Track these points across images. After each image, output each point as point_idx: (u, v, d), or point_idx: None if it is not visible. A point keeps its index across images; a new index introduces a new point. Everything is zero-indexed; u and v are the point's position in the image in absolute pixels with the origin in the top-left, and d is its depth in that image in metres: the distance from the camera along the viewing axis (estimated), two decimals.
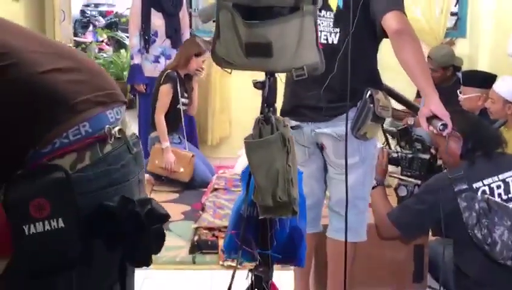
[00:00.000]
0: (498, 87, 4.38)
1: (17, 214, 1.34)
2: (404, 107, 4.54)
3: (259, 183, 1.98)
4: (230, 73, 2.05)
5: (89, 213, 1.39)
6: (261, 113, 2.01)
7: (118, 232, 1.41)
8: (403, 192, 3.61)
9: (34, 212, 1.34)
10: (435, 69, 5.68)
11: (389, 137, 3.93)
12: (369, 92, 2.89)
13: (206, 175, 5.60)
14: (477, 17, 6.39)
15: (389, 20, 2.77)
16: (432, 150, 3.66)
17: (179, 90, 5.62)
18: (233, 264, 3.81)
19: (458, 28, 6.60)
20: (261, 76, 2.01)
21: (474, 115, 3.67)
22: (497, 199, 3.17)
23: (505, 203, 3.14)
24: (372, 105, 2.87)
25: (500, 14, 6.13)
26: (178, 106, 5.68)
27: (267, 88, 2.00)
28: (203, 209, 4.70)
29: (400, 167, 3.70)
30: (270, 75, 1.99)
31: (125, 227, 1.41)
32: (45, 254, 1.37)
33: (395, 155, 3.65)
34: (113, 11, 13.79)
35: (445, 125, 2.73)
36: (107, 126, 1.47)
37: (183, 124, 5.79)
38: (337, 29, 2.92)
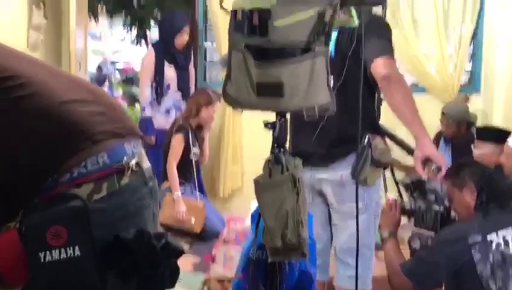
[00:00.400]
0: None
1: (34, 241, 1.34)
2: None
3: (269, 224, 1.95)
4: (242, 112, 2.05)
5: (104, 244, 1.38)
6: (272, 153, 2.00)
7: (133, 264, 1.39)
8: (416, 243, 3.55)
9: (51, 239, 1.33)
10: (449, 124, 5.67)
11: (402, 189, 3.88)
12: (367, 138, 2.91)
13: (218, 226, 5.56)
14: (491, 73, 6.41)
15: (377, 67, 2.82)
16: (446, 202, 3.61)
17: (190, 140, 5.63)
18: None
19: (472, 84, 6.61)
20: (272, 118, 2.01)
21: (488, 167, 3.63)
22: None
23: None
24: (370, 150, 2.90)
25: None
26: (190, 156, 5.68)
27: (277, 128, 1.99)
28: (213, 261, 4.65)
29: (413, 219, 3.65)
30: (281, 115, 1.98)
31: (140, 260, 1.39)
32: (61, 282, 1.35)
33: (407, 207, 3.60)
34: (130, 68, 13.99)
35: (439, 169, 2.78)
36: (125, 158, 1.47)
37: (194, 174, 5.78)
38: (330, 77, 2.94)
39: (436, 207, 3.55)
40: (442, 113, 5.76)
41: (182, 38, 5.96)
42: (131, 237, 1.39)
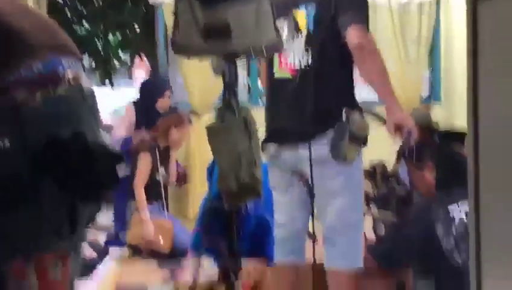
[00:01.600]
0: None
1: None
2: None
3: (223, 167, 1.96)
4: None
5: (38, 147, 1.36)
6: (223, 99, 2.02)
7: (67, 166, 1.38)
8: (380, 229, 3.56)
9: None
10: None
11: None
12: (344, 113, 2.85)
13: (186, 243, 5.49)
14: (452, 84, 6.52)
15: (350, 36, 2.82)
16: (408, 186, 3.65)
17: (158, 160, 5.59)
18: None
19: (433, 94, 6.72)
20: None
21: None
22: None
23: None
24: (348, 125, 2.83)
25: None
26: (157, 177, 5.65)
27: (227, 74, 2.01)
28: (183, 270, 4.58)
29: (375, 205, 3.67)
30: (230, 59, 2.00)
31: (76, 161, 1.38)
32: None
33: (370, 193, 3.62)
34: None
35: (409, 132, 2.77)
36: (61, 68, 1.46)
37: (162, 194, 5.74)
38: (309, 51, 2.96)
39: (398, 191, 3.57)
40: None
41: (165, 102, 5.95)
42: (66, 137, 1.37)
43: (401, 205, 3.53)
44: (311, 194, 3.03)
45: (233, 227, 2.07)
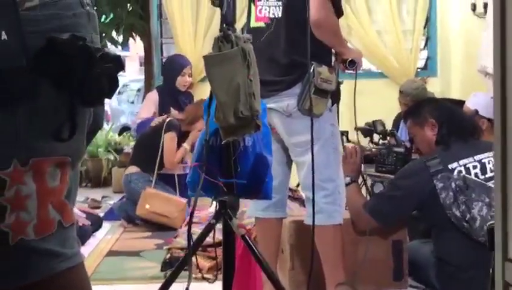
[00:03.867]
0: (470, 102, 4.37)
1: None
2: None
3: (220, 99, 1.91)
4: None
5: (37, 51, 1.30)
6: (220, 30, 1.96)
7: (66, 68, 1.32)
8: (379, 188, 3.52)
9: None
10: (408, 103, 5.67)
11: (361, 135, 3.86)
12: (312, 66, 2.87)
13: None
14: (448, 56, 6.49)
15: (311, 8, 2.79)
16: (406, 143, 3.61)
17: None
18: (207, 276, 3.67)
19: (429, 68, 6.69)
20: None
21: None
22: (473, 178, 3.10)
23: (482, 181, 3.07)
24: (313, 78, 2.86)
25: (470, 51, 6.22)
26: None
27: (225, 5, 1.96)
28: (176, 237, 4.55)
29: (374, 165, 3.62)
30: None
31: (74, 62, 1.32)
32: None
33: (368, 153, 3.57)
34: None
35: (352, 62, 2.96)
36: None
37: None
38: (280, 2, 2.94)
39: (397, 149, 3.53)
40: (400, 92, 5.78)
41: (184, 80, 5.98)
42: (64, 39, 1.32)
43: (400, 163, 3.48)
44: (284, 149, 3.09)
45: (231, 163, 2.02)
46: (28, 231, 1.33)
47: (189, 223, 1.94)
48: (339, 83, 3.02)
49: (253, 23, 3.07)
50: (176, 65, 6.04)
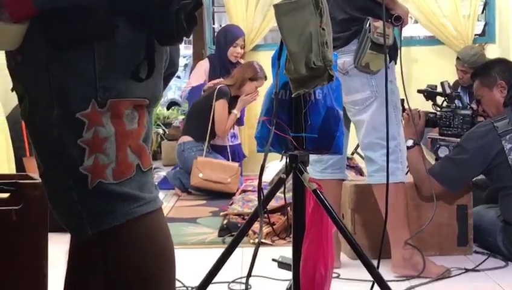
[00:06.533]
0: None
1: None
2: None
3: (292, 50, 1.84)
4: None
5: None
6: None
7: (145, 4, 1.28)
8: (444, 152, 3.41)
9: None
10: (465, 69, 5.53)
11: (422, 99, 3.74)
12: (368, 21, 2.81)
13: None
14: (506, 22, 6.29)
15: None
16: (473, 105, 3.51)
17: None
18: (265, 241, 3.65)
19: (487, 34, 6.50)
20: None
21: None
22: None
23: None
24: (369, 33, 2.79)
25: None
26: None
27: None
28: (231, 204, 4.52)
29: (438, 128, 3.52)
30: None
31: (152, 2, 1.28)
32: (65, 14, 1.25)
33: (431, 116, 3.47)
34: None
35: (398, 17, 2.83)
36: None
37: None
38: None
39: (463, 111, 3.42)
40: (457, 58, 5.64)
41: (235, 51, 5.98)
42: None
43: (466, 126, 3.36)
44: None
45: (301, 117, 1.96)
46: (106, 174, 1.30)
47: (260, 176, 1.88)
48: (395, 40, 2.94)
49: None
50: (229, 35, 6.00)
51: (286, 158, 1.98)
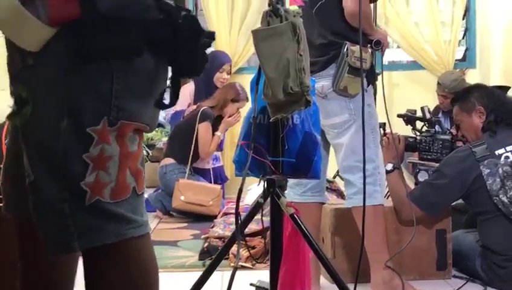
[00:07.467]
0: None
1: None
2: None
3: (269, 75, 1.86)
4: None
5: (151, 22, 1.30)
6: (269, 5, 1.92)
7: (173, 34, 1.31)
8: (424, 176, 3.43)
9: None
10: (446, 94, 5.58)
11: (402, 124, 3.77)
12: (346, 46, 2.83)
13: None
14: (487, 48, 6.37)
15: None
16: (452, 130, 3.54)
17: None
18: (245, 264, 3.64)
19: (468, 59, 6.57)
20: None
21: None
22: None
23: None
24: (346, 57, 2.82)
25: (510, 42, 6.10)
26: None
27: None
28: (213, 227, 4.51)
29: (417, 153, 3.54)
30: None
31: (181, 29, 1.31)
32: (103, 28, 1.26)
33: (411, 140, 3.49)
34: None
35: (378, 42, 2.86)
36: None
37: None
38: None
39: (443, 136, 3.45)
40: (438, 83, 5.69)
41: (221, 76, 6.02)
42: (170, 5, 1.30)
43: (445, 151, 3.39)
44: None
45: (279, 141, 1.98)
46: (105, 193, 1.31)
47: (238, 199, 1.89)
48: (372, 64, 2.97)
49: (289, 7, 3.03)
50: (216, 61, 6.01)
51: (264, 182, 1.99)
